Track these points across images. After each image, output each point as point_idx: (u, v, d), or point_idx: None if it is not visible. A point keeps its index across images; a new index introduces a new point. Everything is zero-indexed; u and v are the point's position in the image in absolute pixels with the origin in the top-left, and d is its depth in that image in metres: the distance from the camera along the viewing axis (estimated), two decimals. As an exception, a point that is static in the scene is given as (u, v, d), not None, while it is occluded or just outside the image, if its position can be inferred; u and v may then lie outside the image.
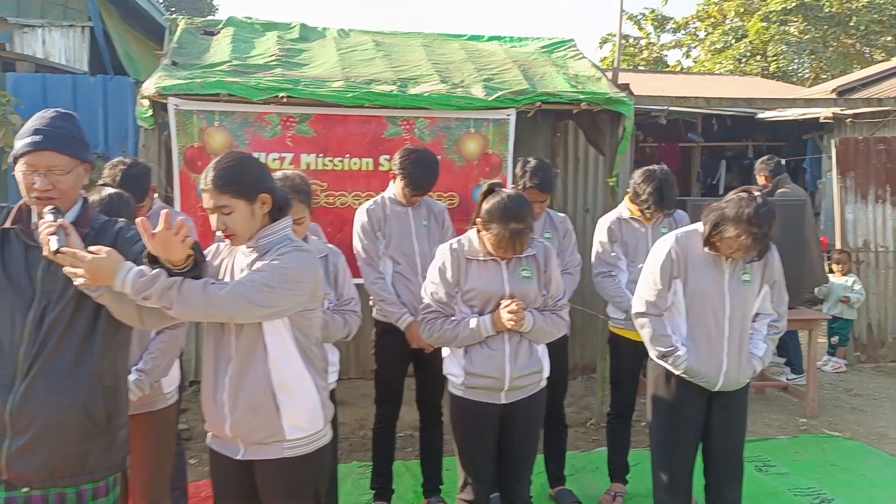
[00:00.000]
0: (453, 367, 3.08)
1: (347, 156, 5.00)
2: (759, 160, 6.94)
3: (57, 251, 2.06)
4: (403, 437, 5.13)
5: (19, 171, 2.25)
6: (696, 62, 21.50)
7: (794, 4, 18.83)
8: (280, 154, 4.91)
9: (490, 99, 5.04)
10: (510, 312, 2.93)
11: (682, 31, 22.01)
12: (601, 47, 22.37)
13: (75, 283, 2.12)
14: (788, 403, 6.06)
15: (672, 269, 3.19)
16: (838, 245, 7.36)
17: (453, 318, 3.04)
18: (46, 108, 2.44)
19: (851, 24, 19.10)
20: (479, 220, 2.99)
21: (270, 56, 5.45)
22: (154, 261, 2.14)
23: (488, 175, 5.16)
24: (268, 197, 2.39)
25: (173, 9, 23.07)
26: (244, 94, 4.76)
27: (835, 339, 7.15)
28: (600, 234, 4.26)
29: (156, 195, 3.71)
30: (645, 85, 14.26)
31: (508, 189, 3.03)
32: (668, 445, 3.32)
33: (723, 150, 12.84)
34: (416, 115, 5.03)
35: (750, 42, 18.69)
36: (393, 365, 4.01)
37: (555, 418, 4.23)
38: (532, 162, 4.05)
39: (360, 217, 3.99)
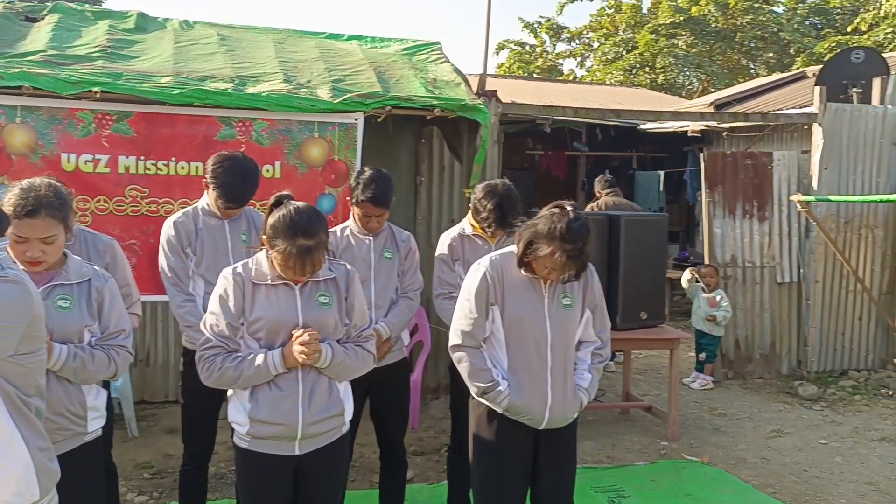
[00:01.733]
0: (237, 413, 2.64)
1: (173, 159, 4.50)
2: (598, 177, 7.56)
3: None
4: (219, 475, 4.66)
5: None
6: (588, 72, 21.70)
7: (682, 19, 19.25)
8: (94, 155, 4.37)
9: (335, 101, 4.65)
10: (301, 344, 2.54)
11: (577, 41, 22.21)
12: (497, 54, 22.37)
13: None
14: (652, 424, 5.91)
15: (488, 294, 2.88)
16: (706, 260, 7.32)
17: (237, 353, 2.62)
18: None
19: (736, 39, 19.68)
20: (264, 236, 2.58)
21: (95, 47, 4.91)
22: None
23: (334, 183, 4.78)
24: None
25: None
26: (52, 87, 4.21)
27: (702, 356, 7.09)
28: (441, 251, 3.93)
29: None
30: (534, 92, 14.24)
31: (299, 202, 2.63)
32: (493, 492, 2.98)
33: (608, 159, 12.87)
34: (253, 116, 4.59)
35: (640, 54, 18.96)
36: (204, 398, 3.53)
37: (393, 454, 3.86)
38: (367, 172, 3.67)
39: (167, 231, 3.52)
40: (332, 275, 2.72)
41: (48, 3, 5.59)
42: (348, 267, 2.80)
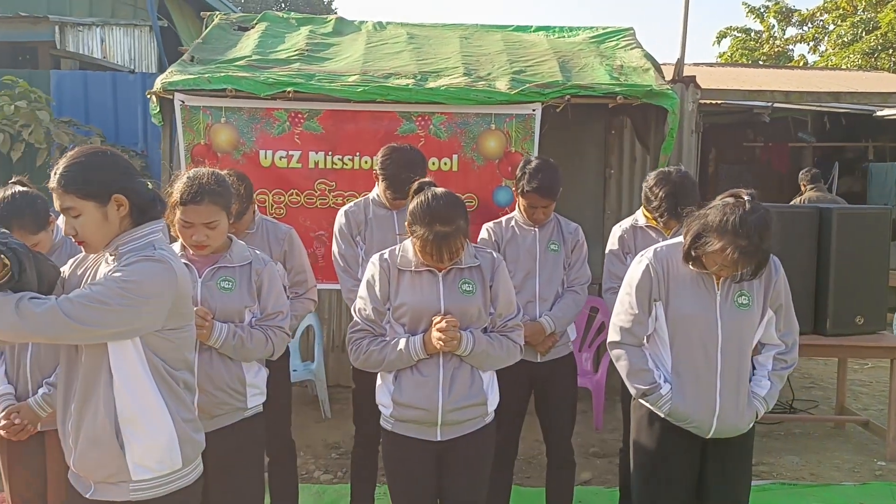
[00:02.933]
0: (383, 395, 2.69)
1: (358, 154, 4.69)
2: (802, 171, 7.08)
3: None
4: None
5: None
6: (822, 56, 19.87)
7: (935, -8, 17.02)
8: (287, 152, 4.67)
9: (513, 92, 4.60)
10: (439, 330, 2.51)
11: (809, 24, 20.39)
12: (718, 42, 21.14)
13: None
14: (869, 442, 5.25)
15: (651, 288, 2.67)
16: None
17: (383, 337, 2.65)
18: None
19: None
20: (406, 223, 2.59)
21: (295, 51, 5.24)
22: None
23: (510, 175, 4.70)
24: (122, 198, 2.09)
25: (292, 11, 23.60)
26: (251, 89, 4.56)
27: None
28: (612, 244, 3.75)
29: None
30: (761, 81, 13.22)
31: (439, 188, 2.60)
32: (653, 499, 2.78)
33: (839, 150, 11.67)
34: (431, 110, 4.66)
35: (882, 34, 17.01)
36: (373, 383, 3.64)
37: (558, 452, 3.73)
38: (533, 162, 3.58)
39: (339, 220, 3.68)
40: (476, 262, 2.67)
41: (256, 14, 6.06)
42: (494, 255, 2.74)
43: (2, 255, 1.88)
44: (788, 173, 11.93)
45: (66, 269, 2.24)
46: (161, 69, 8.10)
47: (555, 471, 3.73)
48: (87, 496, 2.14)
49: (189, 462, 2.17)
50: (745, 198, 2.47)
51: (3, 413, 2.69)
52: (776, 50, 20.74)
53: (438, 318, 2.55)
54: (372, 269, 2.68)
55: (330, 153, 4.69)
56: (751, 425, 2.73)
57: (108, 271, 2.06)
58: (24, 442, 2.74)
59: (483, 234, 3.67)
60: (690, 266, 2.62)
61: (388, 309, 2.66)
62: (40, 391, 2.72)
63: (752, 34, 21.37)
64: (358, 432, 3.75)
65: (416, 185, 2.65)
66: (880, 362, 7.05)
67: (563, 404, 3.66)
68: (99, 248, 2.12)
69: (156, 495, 2.10)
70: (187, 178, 2.64)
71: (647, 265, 2.67)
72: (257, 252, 2.85)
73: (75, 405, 2.09)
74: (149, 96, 4.64)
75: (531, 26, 6.06)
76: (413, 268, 2.64)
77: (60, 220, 2.94)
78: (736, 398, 2.65)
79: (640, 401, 2.75)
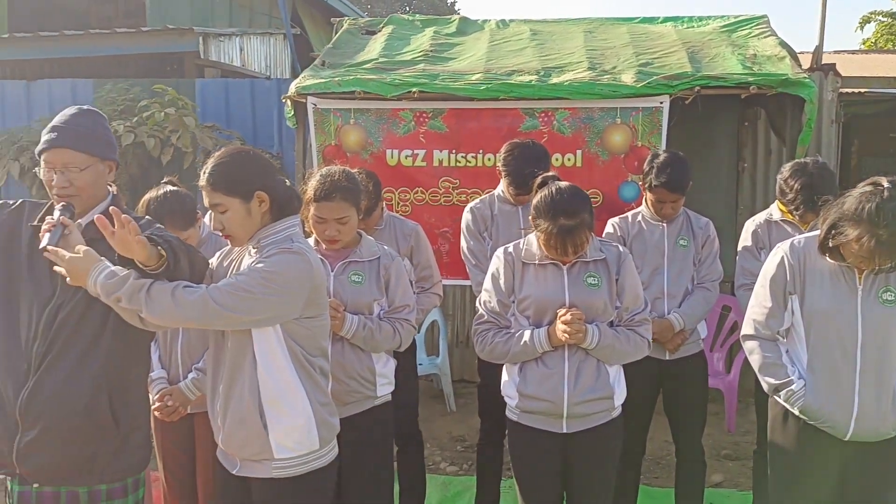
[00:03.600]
0: (508, 387, 2.72)
1: (480, 151, 4.75)
2: None
3: (44, 248, 2.06)
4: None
5: (42, 167, 2.28)
6: None
7: None
8: (412, 151, 4.79)
9: (639, 85, 4.52)
10: (564, 323, 2.52)
11: (965, 5, 18.85)
12: (862, 28, 19.85)
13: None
14: None
15: (787, 282, 2.57)
16: None
17: (508, 329, 2.68)
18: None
19: None
20: (530, 216, 2.62)
21: (420, 52, 5.35)
22: (128, 262, 2.06)
23: (637, 170, 4.63)
24: (264, 195, 2.23)
25: (417, 13, 24.07)
26: (378, 90, 4.70)
27: None
28: (745, 240, 3.63)
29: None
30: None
31: (563, 182, 2.61)
32: (790, 499, 2.67)
33: None
34: (555, 106, 4.65)
35: None
36: (498, 377, 3.68)
37: (687, 452, 3.65)
38: (661, 156, 3.52)
39: (466, 216, 3.77)
40: (602, 256, 2.66)
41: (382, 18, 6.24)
42: (621, 248, 2.73)
43: (158, 247, 2.05)
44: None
45: (213, 261, 2.40)
46: (294, 74, 8.47)
47: (684, 471, 3.65)
48: (233, 472, 2.29)
49: (325, 443, 2.29)
50: (886, 185, 2.33)
51: (157, 395, 2.91)
52: (928, 34, 19.27)
53: (563, 311, 2.55)
54: (497, 262, 2.73)
55: (453, 151, 4.77)
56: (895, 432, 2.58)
57: (251, 263, 2.20)
58: (176, 423, 2.96)
59: (608, 228, 3.63)
60: (828, 258, 2.50)
61: (513, 301, 2.69)
62: (190, 375, 2.92)
63: (901, 17, 19.96)
64: (483, 426, 3.81)
65: (539, 179, 2.67)
66: None
67: (693, 403, 3.58)
68: (243, 241, 2.27)
69: (295, 473, 2.23)
70: (320, 175, 2.77)
71: (783, 257, 2.57)
72: (385, 247, 2.95)
73: (223, 387, 2.24)
74: (284, 100, 4.88)
75: (658, 17, 5.92)
76: (537, 261, 2.66)
77: (206, 218, 3.17)
78: (877, 399, 2.50)
79: (775, 398, 2.65)
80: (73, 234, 2.15)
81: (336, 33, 6.01)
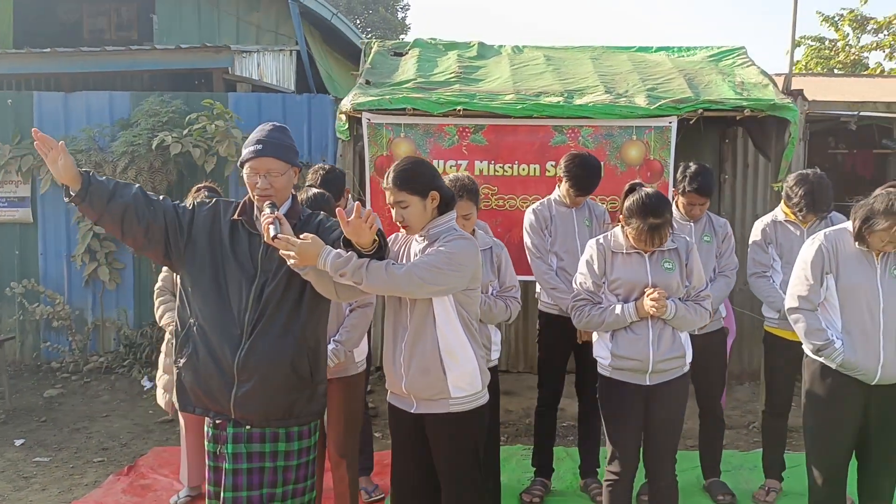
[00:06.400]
0: (601, 350, 3.42)
1: (516, 162, 5.44)
2: None
3: (274, 237, 2.62)
4: (566, 427, 5.51)
5: (245, 173, 2.84)
6: (900, 63, 20.00)
7: None
8: (456, 161, 5.44)
9: (652, 108, 5.29)
10: (652, 300, 3.23)
11: (885, 32, 20.51)
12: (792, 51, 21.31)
13: (287, 263, 2.66)
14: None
15: (823, 264, 3.32)
16: None
17: (601, 304, 3.38)
18: (261, 122, 3.00)
19: None
20: (621, 216, 3.32)
21: (451, 73, 6.02)
22: (348, 244, 2.67)
23: (649, 180, 5.40)
24: (436, 194, 2.87)
25: (368, 29, 24.68)
26: (426, 108, 5.33)
27: None
28: (755, 236, 4.40)
29: (349, 195, 4.34)
30: (836, 89, 13.61)
31: (648, 187, 3.32)
32: (825, 439, 3.40)
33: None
34: (580, 123, 5.38)
35: (963, 40, 17.19)
36: (555, 352, 4.38)
37: (711, 415, 4.42)
38: (693, 167, 4.28)
39: (529, 217, 4.39)
40: (674, 245, 3.38)
41: (407, 41, 6.88)
42: (688, 239, 3.45)
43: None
44: (872, 178, 12.32)
45: None
46: (298, 89, 9.03)
47: (706, 429, 4.44)
48: (410, 411, 2.92)
49: (484, 387, 2.95)
50: None
51: None
52: (851, 58, 20.89)
53: (650, 290, 3.27)
54: (590, 251, 3.43)
55: (492, 162, 5.45)
56: None
57: (427, 248, 2.84)
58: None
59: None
60: (857, 245, 3.26)
61: (604, 282, 3.39)
62: (330, 347, 3.50)
63: (826, 42, 21.54)
64: (540, 394, 4.46)
65: (627, 185, 3.37)
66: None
67: (717, 370, 4.34)
68: (417, 231, 2.91)
69: (465, 408, 2.89)
70: (449, 180, 3.41)
71: (820, 245, 3.33)
72: (495, 238, 3.62)
73: (405, 344, 2.87)
74: (340, 115, 5.46)
75: (652, 47, 6.75)
76: (624, 250, 3.37)
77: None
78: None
79: (812, 356, 3.40)
80: (285, 224, 2.74)
81: (365, 55, 6.60)
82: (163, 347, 4.30)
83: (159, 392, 4.28)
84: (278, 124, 2.94)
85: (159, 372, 4.29)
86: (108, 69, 7.31)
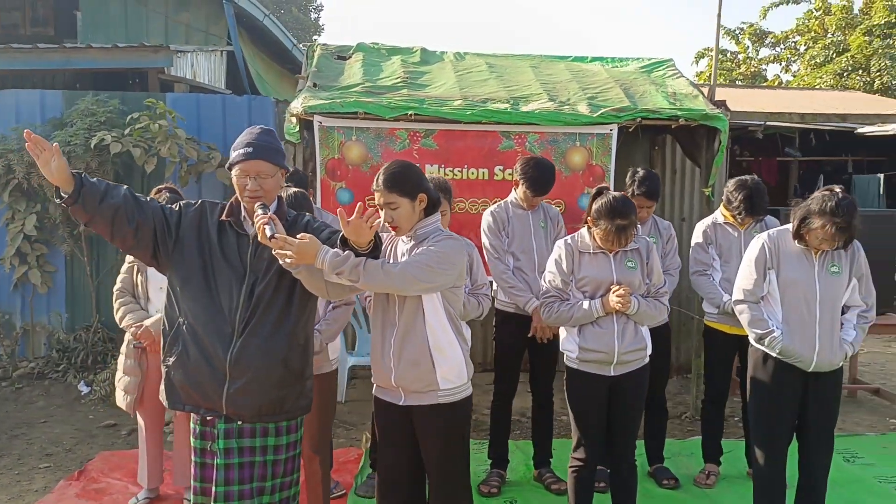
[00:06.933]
0: (569, 343, 3.62)
1: (466, 166, 5.61)
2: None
3: (271, 237, 2.69)
4: (514, 421, 5.68)
5: (234, 175, 2.87)
6: (795, 76, 21.29)
7: (899, 17, 18.49)
8: (407, 164, 5.55)
9: (595, 115, 5.56)
10: (618, 296, 3.45)
11: (782, 46, 21.82)
12: (696, 62, 22.39)
13: (281, 262, 2.71)
14: (880, 406, 6.31)
15: (766, 260, 3.61)
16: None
17: (568, 301, 3.58)
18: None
19: (962, 36, 18.58)
20: (589, 217, 3.53)
21: (397, 78, 6.14)
22: (344, 243, 2.76)
23: (591, 184, 5.68)
24: (424, 196, 3.00)
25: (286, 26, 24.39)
26: (378, 112, 5.43)
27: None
28: (697, 237, 4.72)
29: (312, 196, 4.40)
30: (741, 100, 14.43)
31: (614, 192, 3.54)
32: (767, 421, 3.68)
33: (821, 164, 12.87)
34: (527, 130, 5.60)
35: (852, 56, 18.44)
36: (511, 349, 4.57)
37: (656, 405, 4.70)
38: (641, 172, 4.56)
39: (487, 219, 4.56)
40: (636, 246, 3.61)
41: (349, 44, 6.96)
42: (648, 240, 3.69)
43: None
44: (777, 185, 13.13)
45: None
46: (232, 88, 8.94)
47: (651, 418, 4.71)
48: (399, 403, 3.04)
49: (469, 379, 3.09)
50: (837, 190, 3.43)
51: None
52: (752, 70, 22.09)
53: (615, 287, 3.49)
54: (559, 250, 3.62)
55: (443, 166, 5.60)
56: (841, 364, 3.64)
57: (414, 248, 2.96)
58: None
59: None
60: (796, 243, 3.57)
61: (572, 280, 3.59)
62: None
63: (728, 54, 22.70)
64: (496, 389, 4.63)
65: (595, 189, 3.58)
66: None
67: (660, 362, 4.60)
68: (405, 232, 3.03)
69: (453, 400, 3.03)
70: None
71: (763, 243, 3.63)
72: (466, 239, 3.76)
73: (395, 339, 2.99)
74: (291, 118, 5.48)
75: (587, 57, 7.05)
76: (591, 250, 3.58)
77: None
78: (830, 341, 3.56)
79: (756, 345, 3.69)
80: (279, 224, 2.81)
81: (308, 58, 6.65)
82: (122, 349, 4.25)
83: (119, 394, 4.23)
84: (266, 127, 2.98)
85: (118, 374, 4.24)
86: (41, 67, 7.06)
